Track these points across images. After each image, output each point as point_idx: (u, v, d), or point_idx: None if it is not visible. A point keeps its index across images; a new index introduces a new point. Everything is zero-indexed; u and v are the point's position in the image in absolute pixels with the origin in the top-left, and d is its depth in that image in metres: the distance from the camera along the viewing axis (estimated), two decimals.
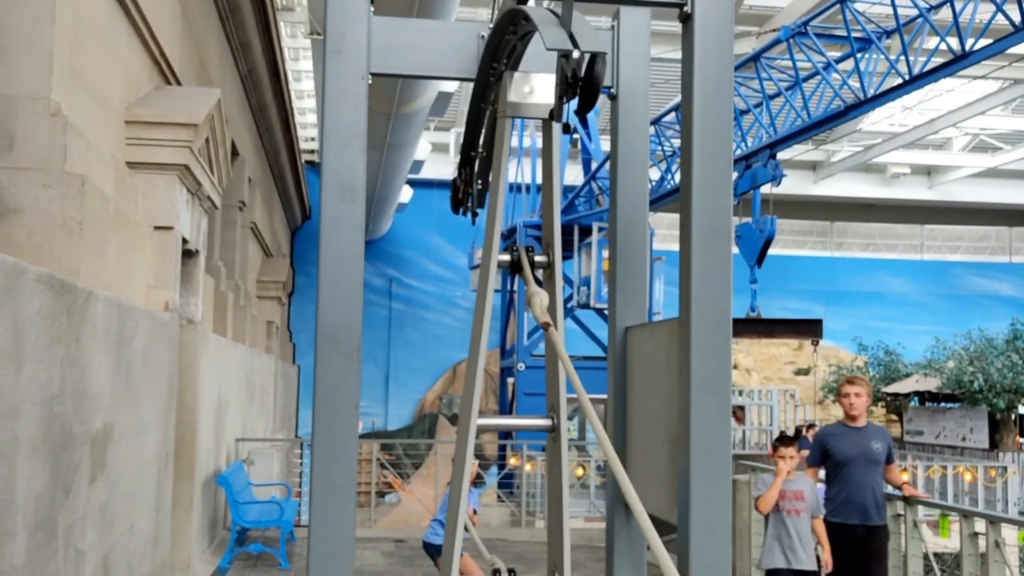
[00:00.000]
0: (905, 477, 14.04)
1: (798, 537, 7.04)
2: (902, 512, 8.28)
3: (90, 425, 5.68)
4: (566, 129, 2.85)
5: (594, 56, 2.45)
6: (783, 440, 7.39)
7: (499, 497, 17.78)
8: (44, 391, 4.74)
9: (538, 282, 3.13)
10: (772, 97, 15.70)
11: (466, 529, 3.28)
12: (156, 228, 8.13)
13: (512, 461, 17.45)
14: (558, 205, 3.24)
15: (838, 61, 14.42)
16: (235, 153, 13.63)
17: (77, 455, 5.40)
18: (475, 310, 3.27)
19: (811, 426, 20.69)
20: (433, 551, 8.70)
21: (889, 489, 7.90)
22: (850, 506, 7.22)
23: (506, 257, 3.19)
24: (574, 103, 2.61)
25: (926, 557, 8.38)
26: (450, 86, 15.91)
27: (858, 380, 7.48)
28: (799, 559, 7.02)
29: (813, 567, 7.13)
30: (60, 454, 5.04)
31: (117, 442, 6.39)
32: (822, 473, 7.62)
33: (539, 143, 23.81)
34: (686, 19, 2.99)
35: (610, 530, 3.71)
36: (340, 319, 3.16)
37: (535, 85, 3.08)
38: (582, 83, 2.49)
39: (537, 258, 3.20)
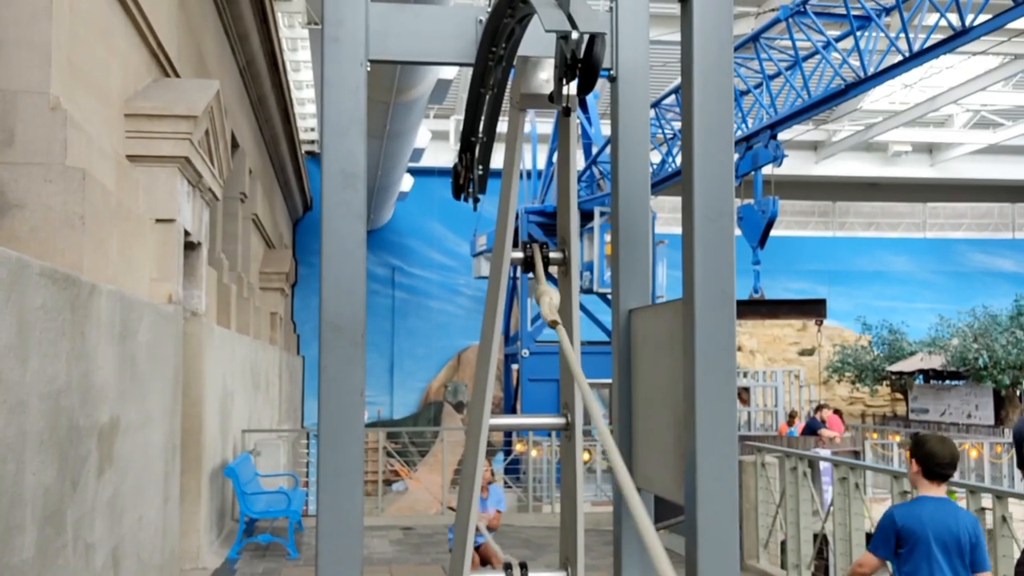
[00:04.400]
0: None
1: None
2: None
3: (97, 418, 5.69)
4: (565, 112, 2.83)
5: (593, 37, 2.43)
6: None
7: (506, 483, 17.81)
8: (50, 385, 4.74)
9: (552, 279, 3.06)
10: (772, 77, 15.66)
11: (478, 531, 3.19)
12: (158, 221, 8.13)
13: (518, 447, 17.47)
14: (575, 198, 3.19)
15: (838, 40, 14.37)
16: (235, 145, 13.62)
17: (84, 448, 5.41)
18: (485, 312, 3.20)
19: (820, 407, 20.62)
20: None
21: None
22: None
23: (519, 255, 3.15)
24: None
25: None
26: (449, 73, 15.87)
27: None
28: None
29: None
30: (67, 447, 5.05)
31: (124, 435, 6.40)
32: None
33: (539, 129, 23.81)
34: (685, 0, 2.97)
35: (618, 514, 3.72)
36: (344, 305, 3.16)
37: (551, 74, 3.02)
38: (581, 65, 2.47)
39: (552, 254, 3.15)
